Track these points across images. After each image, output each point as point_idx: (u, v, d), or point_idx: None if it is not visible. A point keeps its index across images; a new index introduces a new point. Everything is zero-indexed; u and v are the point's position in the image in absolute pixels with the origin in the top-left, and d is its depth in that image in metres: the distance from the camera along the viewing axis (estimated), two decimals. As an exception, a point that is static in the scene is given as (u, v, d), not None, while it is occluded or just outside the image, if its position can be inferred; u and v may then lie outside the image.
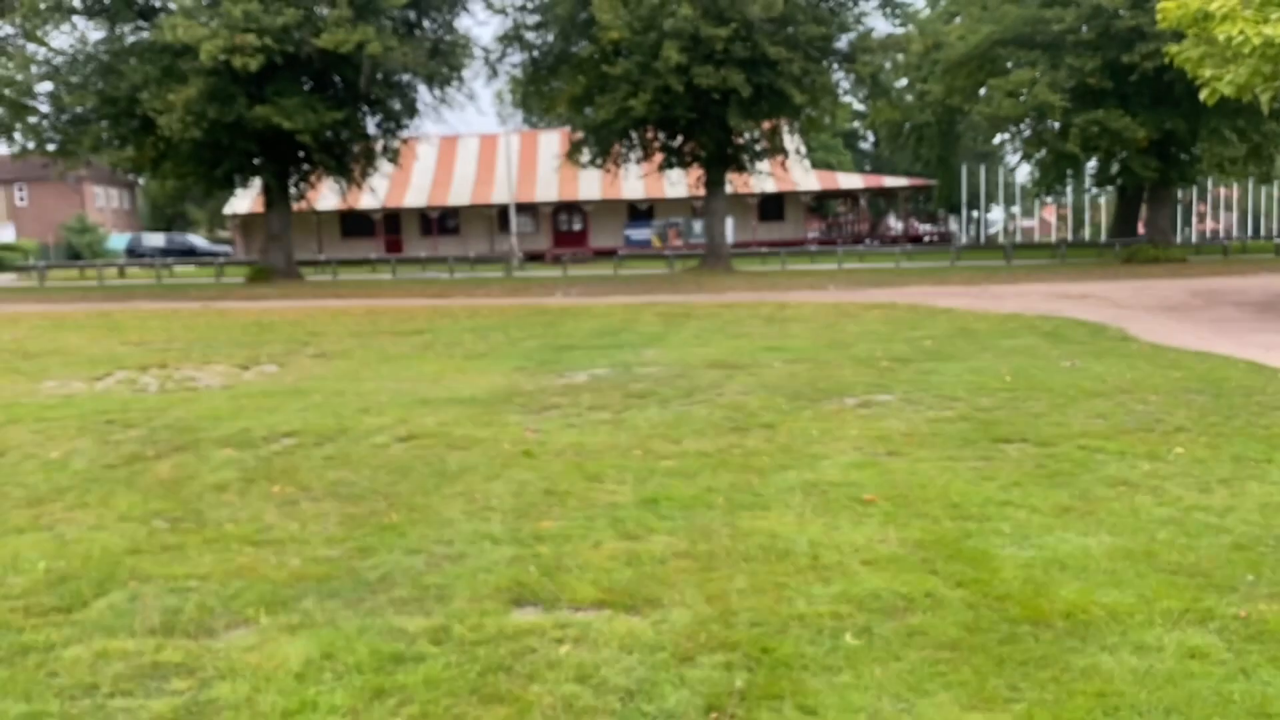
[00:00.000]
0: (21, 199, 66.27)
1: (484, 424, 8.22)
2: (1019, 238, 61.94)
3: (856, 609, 4.20)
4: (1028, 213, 68.18)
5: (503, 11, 32.99)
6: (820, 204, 59.10)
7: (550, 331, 15.76)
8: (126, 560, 4.96)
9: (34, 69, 30.97)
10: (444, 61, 32.01)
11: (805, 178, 49.78)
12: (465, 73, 33.35)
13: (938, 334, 14.22)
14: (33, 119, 31.96)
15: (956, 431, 7.60)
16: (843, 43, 32.92)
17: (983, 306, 18.86)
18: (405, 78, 31.28)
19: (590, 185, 50.46)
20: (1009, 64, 34.72)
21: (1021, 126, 36.05)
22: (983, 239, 62.64)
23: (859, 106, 44.12)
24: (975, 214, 63.42)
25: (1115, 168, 36.39)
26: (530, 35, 33.58)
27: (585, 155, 34.82)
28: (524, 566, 4.77)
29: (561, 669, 3.71)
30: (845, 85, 35.41)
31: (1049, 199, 54.88)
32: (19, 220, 65.35)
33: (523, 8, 33.06)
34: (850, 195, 57.60)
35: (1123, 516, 5.39)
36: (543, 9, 32.62)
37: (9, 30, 32.84)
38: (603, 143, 33.71)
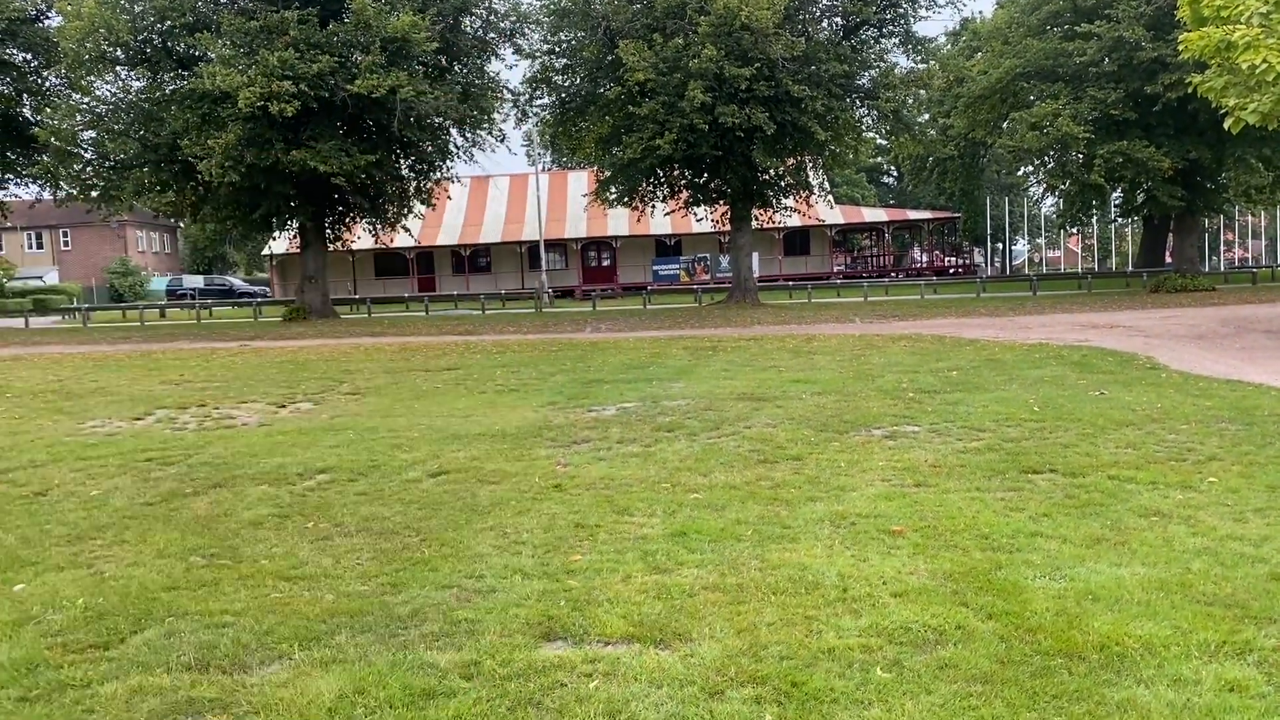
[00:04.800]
0: (66, 243, 67.71)
1: (515, 458, 8.29)
2: (1044, 268, 61.57)
3: (886, 642, 4.19)
4: (1053, 244, 67.81)
5: (531, 56, 33.55)
6: (845, 238, 59.13)
7: (580, 366, 15.85)
8: (163, 596, 5.03)
9: (78, 117, 31.77)
10: (474, 105, 32.50)
11: (829, 212, 49.88)
12: (495, 115, 33.85)
13: (964, 365, 14.17)
14: (77, 166, 32.76)
15: (984, 462, 7.56)
16: (865, 80, 33.13)
17: (1009, 337, 18.76)
18: (437, 121, 31.77)
19: (618, 222, 50.84)
20: (1031, 97, 34.77)
21: (1045, 159, 35.98)
22: (1008, 270, 62.35)
23: (882, 141, 44.20)
24: (1000, 245, 63.17)
25: (1141, 197, 36.24)
26: (558, 78, 34.08)
27: (612, 193, 35.13)
28: (554, 600, 4.80)
29: (591, 703, 3.72)
30: (868, 121, 35.59)
31: (1074, 230, 54.60)
32: (63, 264, 66.77)
33: (550, 52, 33.59)
34: (874, 229, 57.66)
35: (1156, 547, 5.35)
36: (570, 52, 33.11)
37: (54, 80, 33.77)
38: (629, 181, 34.00)
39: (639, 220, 47.74)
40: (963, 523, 5.88)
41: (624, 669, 4.01)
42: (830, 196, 47.35)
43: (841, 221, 53.47)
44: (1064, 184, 35.91)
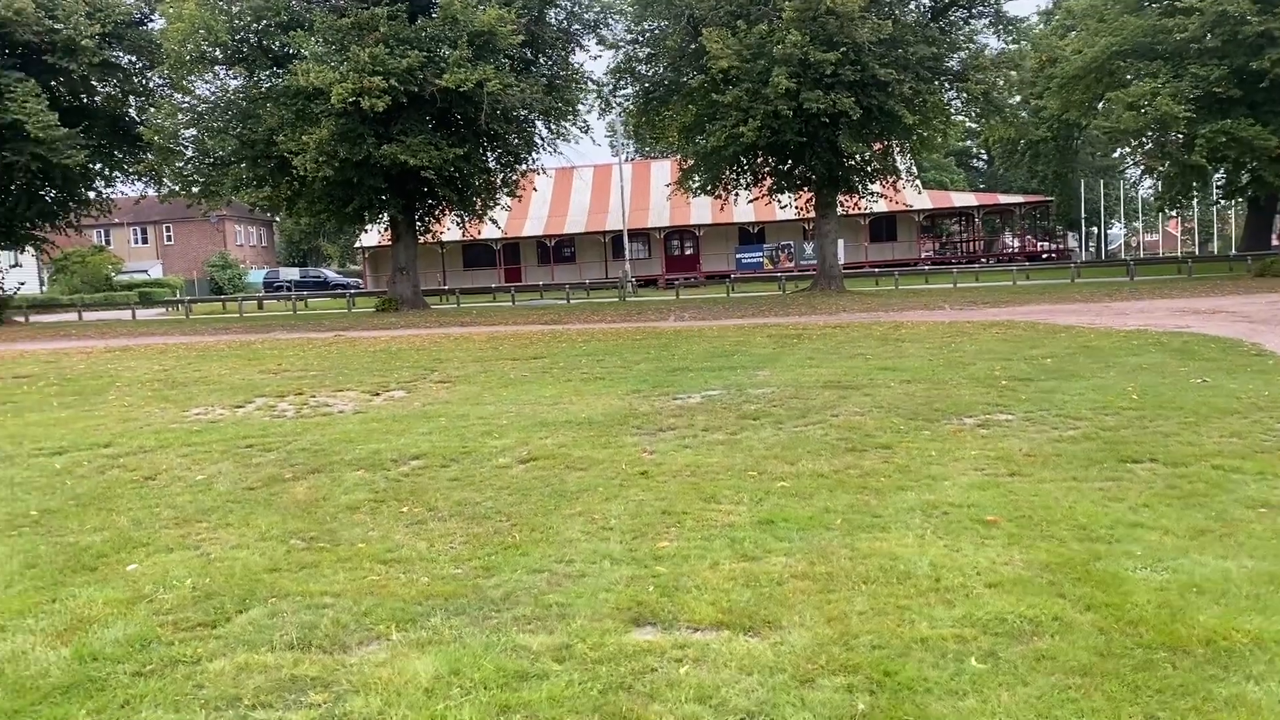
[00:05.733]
0: (169, 238, 70.30)
1: (601, 445, 8.35)
2: (1142, 253, 59.53)
3: (981, 632, 4.13)
4: (1150, 227, 65.50)
5: (615, 46, 33.65)
6: (933, 223, 58.02)
7: (664, 354, 15.88)
8: (266, 577, 5.21)
9: (180, 116, 32.94)
10: (559, 96, 32.75)
11: (917, 197, 48.98)
12: (580, 106, 34.04)
13: (1059, 352, 13.79)
14: (179, 163, 33.96)
15: (1081, 451, 7.36)
16: (954, 62, 32.43)
17: (1105, 323, 18.19)
18: (523, 113, 32.11)
19: (701, 210, 50.73)
20: (1128, 76, 33.64)
21: (1143, 139, 34.78)
22: (1103, 255, 60.44)
23: (972, 124, 43.19)
24: (1095, 230, 61.25)
25: (1245, 178, 34.78)
26: (642, 68, 34.14)
27: (696, 182, 35.08)
28: (643, 586, 4.83)
29: (682, 688, 3.74)
30: (957, 104, 34.83)
31: (1173, 213, 52.65)
32: (166, 258, 69.37)
33: (634, 41, 33.66)
34: (964, 214, 56.41)
35: (1265, 539, 5.15)
36: (653, 42, 33.12)
37: (158, 81, 35.05)
38: (713, 169, 33.92)
39: (722, 208, 47.59)
40: (1059, 513, 5.74)
41: (714, 655, 4.02)
42: (918, 181, 46.47)
43: (929, 207, 52.48)
44: (1163, 165, 34.71)
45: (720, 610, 4.48)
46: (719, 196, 36.62)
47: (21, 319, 37.59)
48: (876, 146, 33.69)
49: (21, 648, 4.34)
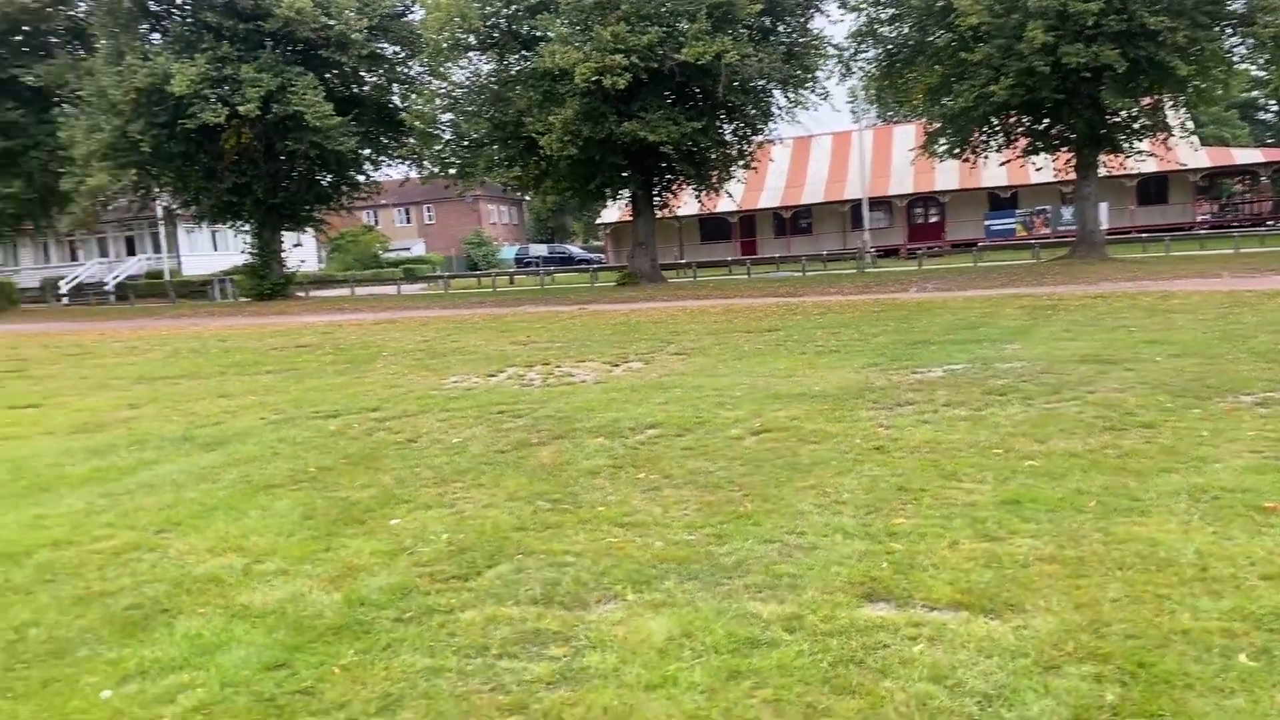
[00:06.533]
0: (429, 218, 75.19)
1: (835, 419, 8.23)
2: None
3: (1253, 627, 3.77)
4: None
5: (856, 9, 32.71)
6: (1211, 183, 52.78)
7: (904, 327, 15.41)
8: (513, 536, 5.51)
9: (438, 101, 35.09)
10: (798, 64, 32.28)
11: (1192, 155, 44.72)
12: (819, 73, 33.42)
13: (1366, 325, 12.27)
14: (437, 146, 36.21)
15: (1388, 436, 6.54)
16: (1238, 4, 29.22)
17: None
18: (760, 83, 31.89)
19: (948, 176, 48.64)
20: None
21: None
22: None
23: (1259, 73, 38.89)
24: None
25: None
26: (884, 29, 33.03)
27: (942, 145, 33.69)
28: (876, 561, 4.75)
29: (915, 667, 3.66)
30: (1241, 51, 31.42)
31: None
32: (428, 236, 74.26)
33: (876, 3, 32.59)
34: (1248, 172, 50.94)
35: None
36: (897, 2, 31.94)
37: (418, 69, 37.47)
38: (961, 132, 32.43)
39: (970, 172, 45.35)
40: (1354, 503, 5.14)
41: (950, 635, 3.90)
42: (1194, 138, 42.43)
43: (1207, 165, 47.84)
44: None
45: (958, 590, 4.33)
46: (967, 160, 34.97)
47: (303, 294, 41.37)
48: (1145, 101, 31.03)
49: (300, 590, 4.82)
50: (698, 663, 3.80)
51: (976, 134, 33.00)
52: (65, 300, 46.17)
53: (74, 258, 53.86)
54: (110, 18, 34.27)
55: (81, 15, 38.84)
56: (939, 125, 33.40)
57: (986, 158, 35.22)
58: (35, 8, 37.09)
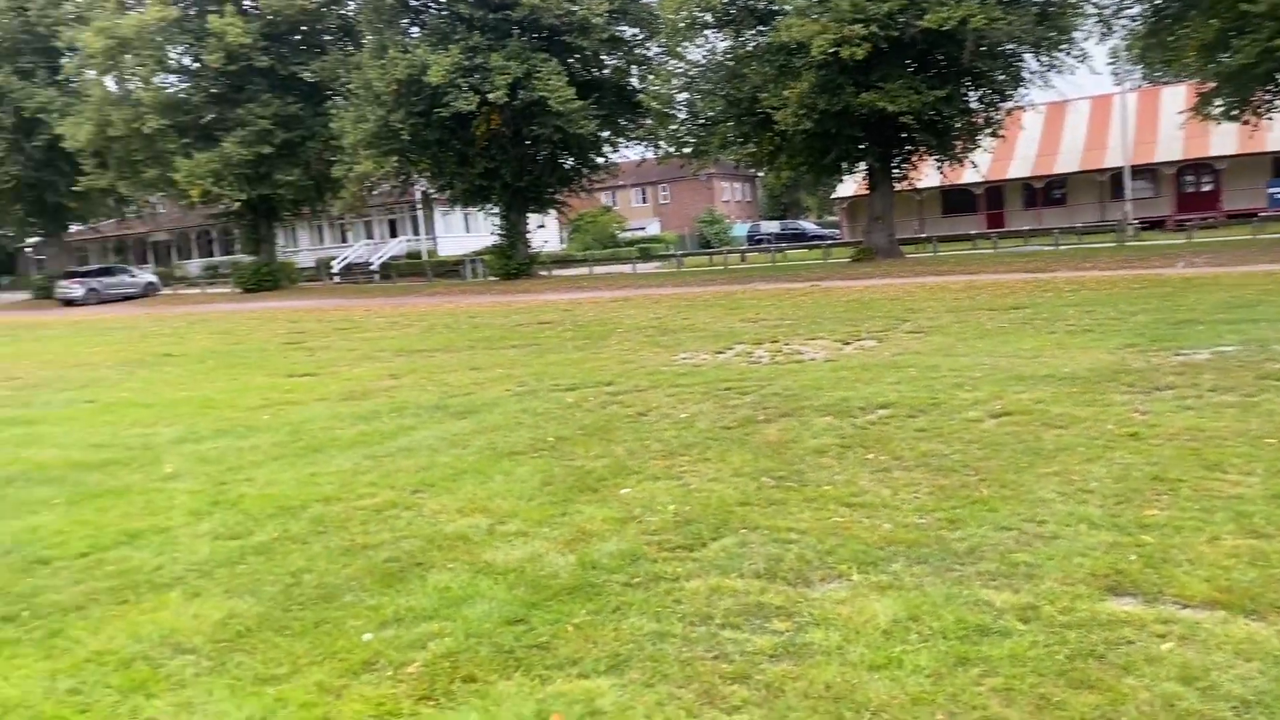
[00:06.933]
0: (664, 197, 76.45)
1: (1084, 403, 7.76)
2: None
3: None
4: None
5: (1119, -40, 30.32)
6: None
7: (1167, 305, 14.25)
8: (738, 510, 5.58)
9: (674, 81, 35.53)
10: (1052, 25, 30.31)
11: None
12: (1075, 33, 31.25)
13: None
14: (673, 126, 36.71)
15: None
16: None
17: None
18: (1010, 47, 30.18)
19: (1224, 140, 44.29)
20: None
21: None
22: None
23: None
24: None
25: None
26: (1151, -19, 30.44)
27: (1218, 106, 30.72)
28: (1124, 554, 4.47)
29: (1162, 665, 3.44)
30: None
31: None
32: (662, 215, 75.54)
33: (1143, -48, 30.08)
34: None
35: None
36: (1167, -50, 29.37)
37: (655, 50, 38.07)
38: (1241, 91, 29.42)
39: (1252, 136, 41.08)
40: None
41: (1204, 635, 3.63)
42: None
43: None
44: None
45: (1216, 588, 4.01)
46: (1247, 122, 31.73)
47: (545, 273, 43.13)
48: None
49: (538, 551, 5.10)
50: (924, 646, 3.73)
51: (1259, 93, 29.85)
52: (337, 279, 50.36)
53: (344, 239, 58.69)
54: (375, 14, 36.88)
55: (350, 13, 42.01)
56: (1214, 85, 30.47)
57: (1271, 119, 31.81)
58: (311, 8, 40.39)
